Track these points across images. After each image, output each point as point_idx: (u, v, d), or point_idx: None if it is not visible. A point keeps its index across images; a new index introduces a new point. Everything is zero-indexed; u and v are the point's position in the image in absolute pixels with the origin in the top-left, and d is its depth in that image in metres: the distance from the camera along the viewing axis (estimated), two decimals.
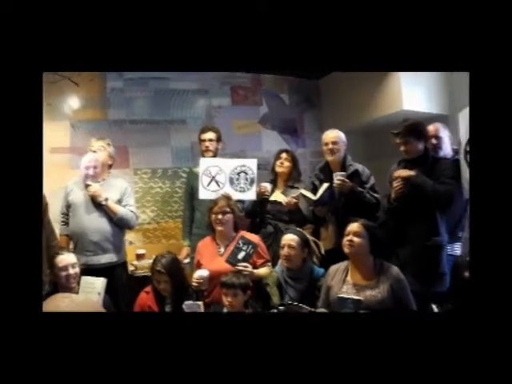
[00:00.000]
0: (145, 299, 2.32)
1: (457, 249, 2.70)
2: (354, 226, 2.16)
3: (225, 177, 2.90)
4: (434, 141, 2.71)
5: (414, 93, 3.31)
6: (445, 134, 2.78)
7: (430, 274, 2.36)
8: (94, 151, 2.74)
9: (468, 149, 2.34)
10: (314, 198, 2.64)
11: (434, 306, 1.83)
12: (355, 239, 2.11)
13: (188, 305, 2.16)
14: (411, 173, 2.38)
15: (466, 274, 2.05)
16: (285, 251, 2.31)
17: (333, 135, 2.76)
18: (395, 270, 2.12)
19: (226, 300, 2.15)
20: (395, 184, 2.40)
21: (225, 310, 2.20)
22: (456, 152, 2.65)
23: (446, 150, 2.73)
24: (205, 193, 2.87)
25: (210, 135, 3.04)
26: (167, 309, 2.27)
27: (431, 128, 2.71)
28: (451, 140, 2.79)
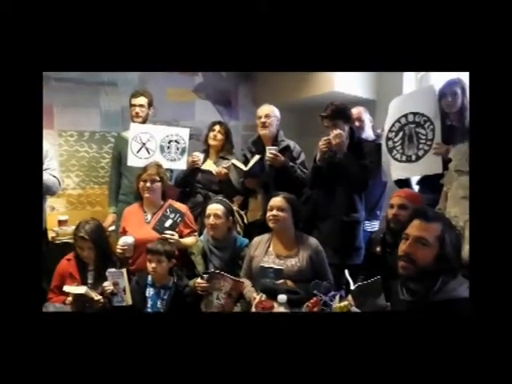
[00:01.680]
0: (66, 266, 2.25)
1: (375, 226, 2.92)
2: (277, 201, 2.22)
3: (155, 144, 2.84)
4: (357, 123, 2.86)
5: (345, 76, 3.42)
6: (366, 117, 2.96)
7: (348, 248, 2.51)
8: None
9: (390, 136, 2.50)
10: (244, 168, 2.67)
11: (346, 273, 1.98)
12: (279, 213, 2.18)
13: (111, 272, 2.14)
14: (341, 149, 2.44)
15: (378, 248, 2.22)
16: (210, 220, 2.33)
17: (267, 109, 2.80)
18: (314, 241, 2.24)
19: (150, 266, 2.17)
20: (322, 143, 2.46)
21: (149, 278, 2.21)
22: (378, 136, 2.82)
23: (368, 132, 2.91)
24: (134, 159, 2.80)
25: (141, 100, 2.94)
26: (89, 276, 2.23)
27: (355, 111, 2.86)
28: (372, 123, 2.97)
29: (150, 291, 2.20)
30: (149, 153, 2.82)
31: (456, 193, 1.88)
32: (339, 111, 2.49)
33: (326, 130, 2.50)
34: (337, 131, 2.40)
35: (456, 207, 1.86)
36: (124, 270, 2.17)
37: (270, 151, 2.62)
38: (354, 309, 1.66)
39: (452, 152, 1.98)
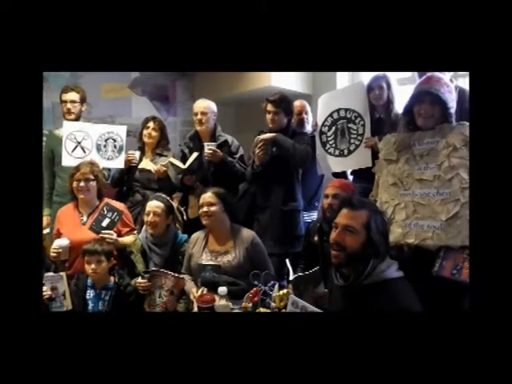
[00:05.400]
0: None
1: (313, 216, 3.02)
2: (206, 197, 2.24)
3: (91, 143, 2.74)
4: (304, 115, 2.95)
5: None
6: (308, 111, 3.05)
7: (288, 237, 2.58)
8: None
9: (323, 130, 2.60)
10: (183, 166, 2.65)
11: (287, 262, 2.04)
12: (210, 209, 2.20)
13: (49, 276, 2.09)
14: (273, 134, 2.53)
15: (315, 237, 2.29)
16: (150, 218, 2.31)
17: (202, 105, 2.79)
18: (250, 234, 2.26)
19: (89, 268, 2.11)
20: (257, 149, 2.52)
21: (89, 280, 2.16)
22: (314, 129, 2.92)
23: (309, 126, 3.00)
24: (69, 159, 2.69)
25: (73, 96, 2.82)
26: None
27: (298, 103, 2.94)
28: (311, 117, 3.07)
29: (90, 293, 2.15)
30: (84, 152, 2.73)
31: (386, 180, 1.98)
32: (286, 102, 2.58)
33: (264, 115, 2.58)
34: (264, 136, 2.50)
35: (386, 194, 1.96)
36: (63, 274, 2.11)
37: (209, 147, 2.63)
38: (293, 297, 1.73)
39: (381, 142, 2.10)
